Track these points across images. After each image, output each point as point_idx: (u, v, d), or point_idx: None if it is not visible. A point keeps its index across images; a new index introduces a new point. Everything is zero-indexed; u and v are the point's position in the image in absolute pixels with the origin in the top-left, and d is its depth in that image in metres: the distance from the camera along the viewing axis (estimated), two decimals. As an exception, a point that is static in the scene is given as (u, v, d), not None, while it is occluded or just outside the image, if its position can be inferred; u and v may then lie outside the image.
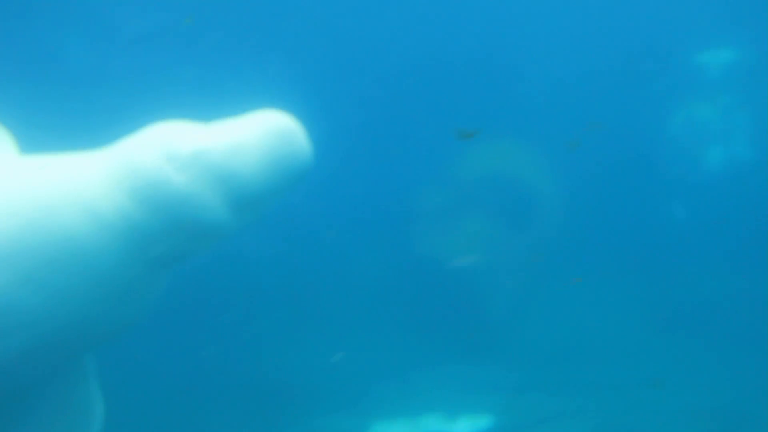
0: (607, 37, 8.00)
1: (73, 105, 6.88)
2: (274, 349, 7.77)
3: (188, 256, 4.20)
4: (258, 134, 4.14)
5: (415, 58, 8.12)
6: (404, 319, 7.83)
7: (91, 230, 3.83)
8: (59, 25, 7.85)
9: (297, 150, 4.18)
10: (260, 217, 4.27)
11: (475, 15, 8.00)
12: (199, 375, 7.47)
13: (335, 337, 7.54)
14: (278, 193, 4.22)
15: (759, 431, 6.73)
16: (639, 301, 7.84)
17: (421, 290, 7.98)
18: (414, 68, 8.07)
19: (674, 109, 8.27)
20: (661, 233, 8.08)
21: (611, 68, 8.08)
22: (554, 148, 7.79)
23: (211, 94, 5.37)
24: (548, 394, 7.28)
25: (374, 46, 8.28)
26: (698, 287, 7.86)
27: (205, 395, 7.42)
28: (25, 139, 4.42)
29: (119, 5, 7.79)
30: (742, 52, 8.05)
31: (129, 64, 7.58)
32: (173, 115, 4.24)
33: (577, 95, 8.08)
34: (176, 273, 4.39)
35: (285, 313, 7.83)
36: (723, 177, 8.21)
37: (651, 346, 7.51)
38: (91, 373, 4.36)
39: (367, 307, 7.93)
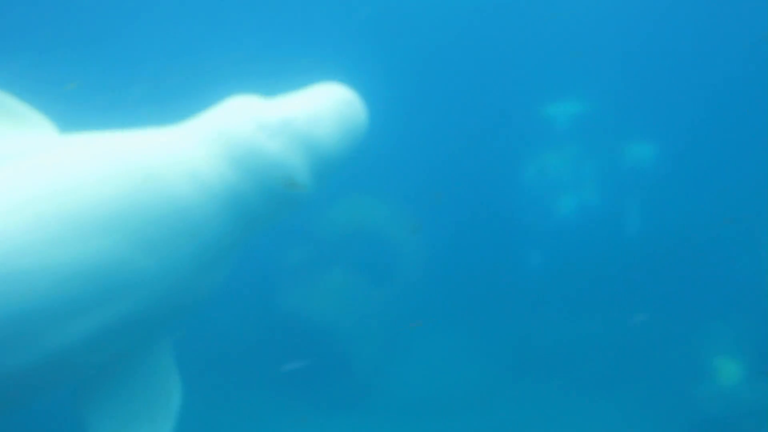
0: (458, 90, 8.22)
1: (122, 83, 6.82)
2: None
3: (273, 223, 4.49)
4: (328, 104, 4.53)
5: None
6: (268, 372, 7.59)
7: (197, 196, 4.02)
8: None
9: (359, 119, 4.63)
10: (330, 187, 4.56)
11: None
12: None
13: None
14: (345, 160, 4.60)
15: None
16: (498, 346, 7.91)
17: (285, 343, 7.77)
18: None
19: (526, 159, 8.58)
20: (518, 280, 8.24)
21: (464, 121, 8.32)
22: (415, 201, 7.88)
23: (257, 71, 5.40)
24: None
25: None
26: (554, 332, 8.01)
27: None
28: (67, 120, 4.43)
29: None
30: (589, 103, 8.48)
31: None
32: (226, 91, 4.50)
33: (435, 148, 8.25)
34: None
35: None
36: (574, 224, 8.51)
37: (511, 390, 7.57)
38: (170, 355, 4.37)
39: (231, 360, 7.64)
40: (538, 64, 8.19)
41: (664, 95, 8.19)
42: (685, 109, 8.20)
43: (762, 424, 6.91)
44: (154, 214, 3.86)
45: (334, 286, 7.88)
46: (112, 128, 4.24)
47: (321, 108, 4.54)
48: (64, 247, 3.56)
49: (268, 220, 4.48)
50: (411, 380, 7.65)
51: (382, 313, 7.82)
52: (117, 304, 3.74)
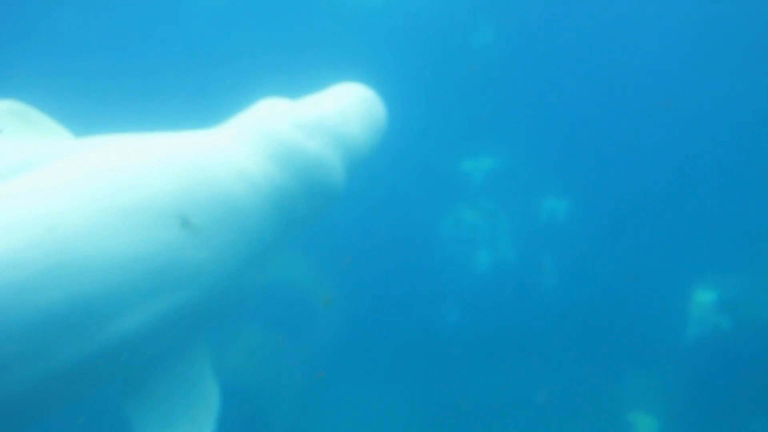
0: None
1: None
2: None
3: (311, 223, 4.68)
4: (353, 102, 4.77)
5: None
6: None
7: (245, 193, 4.19)
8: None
9: (381, 117, 4.91)
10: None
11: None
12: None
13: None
14: (370, 157, 4.85)
15: None
16: (416, 404, 7.78)
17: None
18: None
19: (443, 214, 8.60)
20: (435, 336, 8.16)
21: (382, 176, 8.33)
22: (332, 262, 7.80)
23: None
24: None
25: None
26: (473, 388, 7.93)
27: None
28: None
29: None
30: (502, 160, 8.59)
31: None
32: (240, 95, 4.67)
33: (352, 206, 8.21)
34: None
35: None
36: (491, 279, 8.52)
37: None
38: (208, 356, 4.41)
39: None
40: (455, 119, 8.30)
41: (578, 152, 8.39)
42: (598, 166, 8.40)
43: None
44: (207, 209, 4.02)
45: (251, 342, 7.68)
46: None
47: (348, 106, 4.79)
48: (125, 237, 3.68)
49: (308, 219, 4.69)
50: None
51: (299, 370, 7.62)
52: (172, 296, 3.85)
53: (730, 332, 8.06)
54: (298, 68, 5.88)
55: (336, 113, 4.71)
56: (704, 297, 8.21)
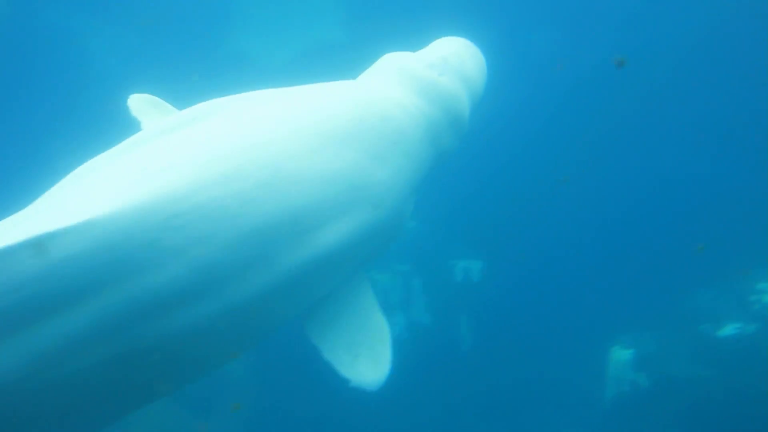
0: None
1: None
2: None
3: (446, 159, 5.12)
4: (461, 49, 5.31)
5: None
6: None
7: (407, 121, 4.66)
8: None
9: (484, 63, 5.43)
10: None
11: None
12: None
13: None
14: (483, 100, 5.39)
15: None
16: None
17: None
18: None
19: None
20: (351, 398, 7.93)
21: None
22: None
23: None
24: None
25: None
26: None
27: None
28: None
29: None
30: (414, 222, 8.73)
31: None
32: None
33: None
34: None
35: None
36: (405, 342, 8.41)
37: None
38: (373, 292, 4.65)
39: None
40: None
41: (490, 213, 8.56)
42: (512, 226, 8.55)
43: None
44: (381, 133, 4.47)
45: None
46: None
47: (459, 51, 5.32)
48: (323, 157, 4.09)
49: (447, 154, 5.12)
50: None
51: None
52: (363, 211, 4.20)
53: (648, 389, 7.98)
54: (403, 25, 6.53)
55: (454, 55, 5.25)
56: (621, 355, 8.18)
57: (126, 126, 4.76)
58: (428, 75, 4.96)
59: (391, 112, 4.62)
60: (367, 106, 4.55)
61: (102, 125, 5.19)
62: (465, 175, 8.49)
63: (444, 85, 4.99)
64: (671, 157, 8.55)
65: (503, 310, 8.37)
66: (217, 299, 3.62)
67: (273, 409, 7.69)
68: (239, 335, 3.98)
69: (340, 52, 7.87)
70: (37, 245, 3.20)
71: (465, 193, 8.47)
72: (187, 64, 8.00)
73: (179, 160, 3.77)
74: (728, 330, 7.86)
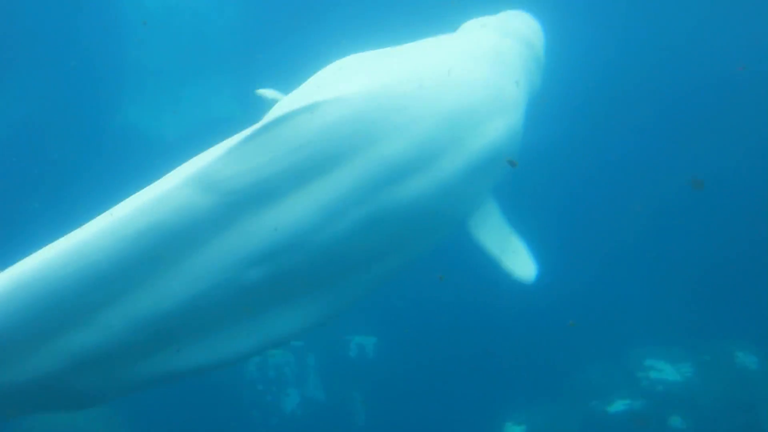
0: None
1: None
2: None
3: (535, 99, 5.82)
4: (530, 22, 6.15)
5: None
6: None
7: (513, 55, 5.51)
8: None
9: (543, 41, 6.18)
10: None
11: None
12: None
13: None
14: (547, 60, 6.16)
15: None
16: None
17: None
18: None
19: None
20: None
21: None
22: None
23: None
24: None
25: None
26: None
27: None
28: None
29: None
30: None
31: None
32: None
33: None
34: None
35: None
36: (299, 418, 8.33)
37: None
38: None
39: None
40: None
41: (382, 291, 8.53)
42: (405, 303, 8.54)
43: None
44: (500, 60, 5.33)
45: None
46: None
47: (524, 23, 6.12)
48: (472, 73, 4.94)
49: (536, 92, 5.82)
50: None
51: None
52: (505, 116, 4.96)
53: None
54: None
55: (525, 21, 6.17)
56: (513, 430, 8.20)
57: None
58: (515, 27, 5.91)
59: (505, 50, 5.51)
60: (491, 43, 5.50)
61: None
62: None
63: (522, 31, 5.91)
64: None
65: (397, 386, 8.34)
66: (434, 171, 4.36)
67: None
68: (440, 218, 4.62)
69: (233, 126, 7.82)
70: (314, 108, 3.97)
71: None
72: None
73: (385, 70, 4.66)
74: (617, 406, 7.95)
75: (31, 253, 3.70)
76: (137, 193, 3.81)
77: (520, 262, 4.97)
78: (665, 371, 7.99)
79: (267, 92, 6.18)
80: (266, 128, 3.88)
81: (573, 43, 7.68)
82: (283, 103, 4.89)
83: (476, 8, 6.16)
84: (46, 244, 3.73)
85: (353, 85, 4.31)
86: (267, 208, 3.90)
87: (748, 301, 8.09)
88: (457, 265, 8.45)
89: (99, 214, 3.81)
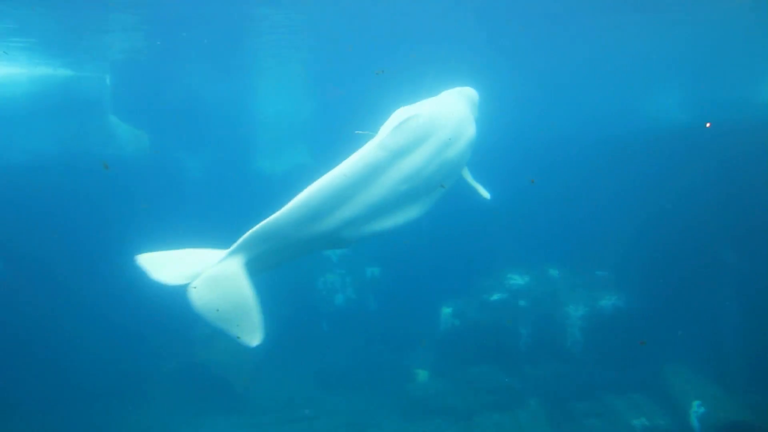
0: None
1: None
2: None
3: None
4: (473, 91, 9.87)
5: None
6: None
7: (465, 111, 9.41)
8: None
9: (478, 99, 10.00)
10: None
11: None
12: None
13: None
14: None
15: None
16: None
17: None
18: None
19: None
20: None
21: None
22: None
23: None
24: None
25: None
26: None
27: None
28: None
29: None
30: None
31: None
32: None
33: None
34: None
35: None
36: (343, 308, 16.88)
37: None
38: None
39: None
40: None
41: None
42: (394, 250, 17.09)
43: None
44: (465, 113, 9.10)
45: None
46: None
47: (473, 91, 9.84)
48: (454, 118, 8.71)
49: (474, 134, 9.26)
50: None
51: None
52: (464, 140, 8.78)
53: (459, 327, 16.20)
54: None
55: (469, 89, 9.80)
56: (446, 311, 16.44)
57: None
58: (465, 92, 9.60)
59: (463, 100, 9.34)
60: (457, 99, 9.26)
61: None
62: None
63: (470, 94, 9.66)
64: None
65: (393, 291, 16.80)
66: (455, 148, 8.42)
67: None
68: (458, 167, 8.75)
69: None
70: (413, 118, 8.09)
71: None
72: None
73: (428, 107, 8.55)
74: (495, 297, 16.28)
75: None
76: (352, 156, 7.60)
77: (480, 189, 9.11)
78: (516, 279, 16.33)
79: (362, 132, 8.70)
80: (402, 123, 7.75)
81: (493, 103, 12.12)
82: (387, 123, 8.18)
83: (445, 85, 9.66)
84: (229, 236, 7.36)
85: (421, 111, 8.05)
86: (406, 159, 7.78)
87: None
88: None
89: (251, 216, 7.58)
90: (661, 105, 20.40)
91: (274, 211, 7.09)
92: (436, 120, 8.23)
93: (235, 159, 17.40)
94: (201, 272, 7.04)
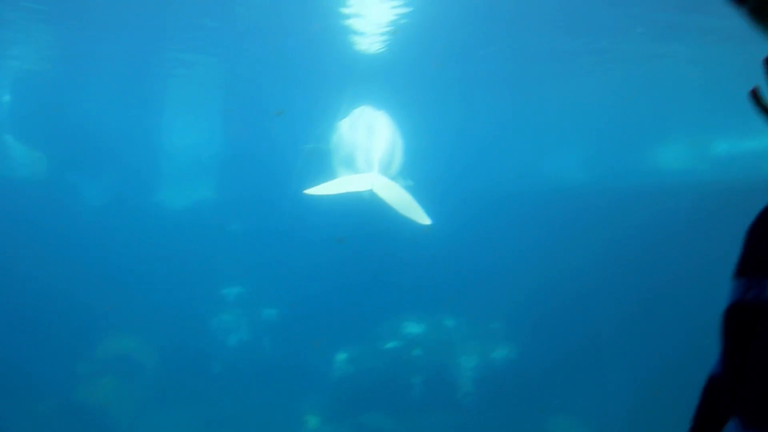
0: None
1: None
2: None
3: None
4: (378, 112, 12.11)
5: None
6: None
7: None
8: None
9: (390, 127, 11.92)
10: None
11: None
12: None
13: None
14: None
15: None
16: None
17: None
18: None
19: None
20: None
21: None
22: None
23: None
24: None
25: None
26: None
27: None
28: None
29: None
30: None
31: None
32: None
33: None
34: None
35: None
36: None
37: None
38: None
39: None
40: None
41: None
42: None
43: None
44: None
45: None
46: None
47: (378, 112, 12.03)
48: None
49: None
50: None
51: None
52: None
53: (353, 374, 16.32)
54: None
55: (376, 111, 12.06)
56: (341, 358, 16.51)
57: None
58: (373, 112, 11.91)
59: (371, 118, 11.64)
60: (367, 117, 11.71)
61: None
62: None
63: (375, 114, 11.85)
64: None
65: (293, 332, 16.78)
66: None
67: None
68: None
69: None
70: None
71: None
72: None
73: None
74: (390, 345, 16.40)
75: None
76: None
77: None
78: (412, 327, 16.54)
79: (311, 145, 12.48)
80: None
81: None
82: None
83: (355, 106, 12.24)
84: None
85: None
86: None
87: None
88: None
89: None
90: (562, 164, 21.12)
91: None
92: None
93: (136, 189, 17.01)
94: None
